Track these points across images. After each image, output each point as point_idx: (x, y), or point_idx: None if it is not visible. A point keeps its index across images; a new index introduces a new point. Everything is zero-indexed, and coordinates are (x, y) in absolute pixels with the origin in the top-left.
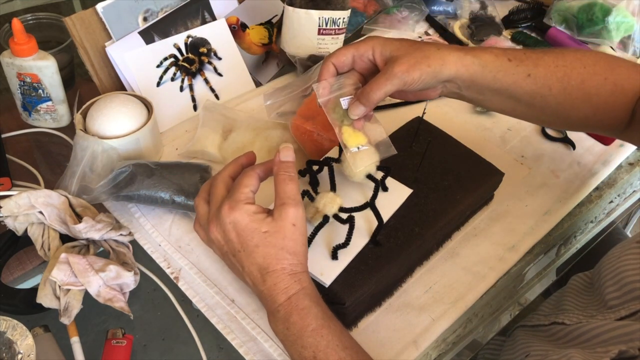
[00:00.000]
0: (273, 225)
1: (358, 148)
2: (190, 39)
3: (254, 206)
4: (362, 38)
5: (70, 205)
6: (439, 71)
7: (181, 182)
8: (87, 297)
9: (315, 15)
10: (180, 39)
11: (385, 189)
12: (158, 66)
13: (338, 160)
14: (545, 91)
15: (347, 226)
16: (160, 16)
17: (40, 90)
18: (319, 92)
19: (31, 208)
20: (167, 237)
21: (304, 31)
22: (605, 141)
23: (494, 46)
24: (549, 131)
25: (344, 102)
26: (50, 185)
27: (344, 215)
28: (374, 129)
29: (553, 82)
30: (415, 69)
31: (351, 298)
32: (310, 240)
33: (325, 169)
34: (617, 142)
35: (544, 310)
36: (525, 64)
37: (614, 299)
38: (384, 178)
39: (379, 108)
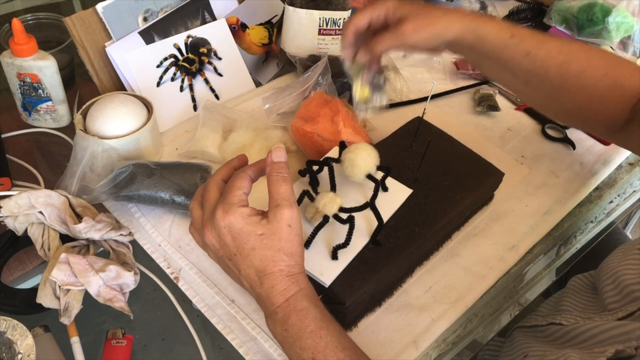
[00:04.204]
0: (268, 227)
1: (365, 103)
2: (190, 39)
3: (248, 208)
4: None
5: (70, 205)
6: (441, 34)
7: (181, 182)
8: (87, 297)
9: (316, 16)
10: (180, 39)
11: (385, 189)
12: (158, 66)
13: (338, 161)
14: (541, 72)
15: (347, 226)
16: (160, 16)
17: (40, 90)
18: (342, 52)
19: (31, 208)
20: (167, 237)
21: (304, 31)
22: (605, 141)
23: (502, 20)
24: (549, 131)
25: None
26: (50, 185)
27: (344, 215)
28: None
29: (551, 65)
30: (420, 31)
31: (351, 298)
32: (310, 240)
33: (325, 169)
34: None
35: (542, 311)
36: (527, 42)
37: (613, 303)
38: (384, 178)
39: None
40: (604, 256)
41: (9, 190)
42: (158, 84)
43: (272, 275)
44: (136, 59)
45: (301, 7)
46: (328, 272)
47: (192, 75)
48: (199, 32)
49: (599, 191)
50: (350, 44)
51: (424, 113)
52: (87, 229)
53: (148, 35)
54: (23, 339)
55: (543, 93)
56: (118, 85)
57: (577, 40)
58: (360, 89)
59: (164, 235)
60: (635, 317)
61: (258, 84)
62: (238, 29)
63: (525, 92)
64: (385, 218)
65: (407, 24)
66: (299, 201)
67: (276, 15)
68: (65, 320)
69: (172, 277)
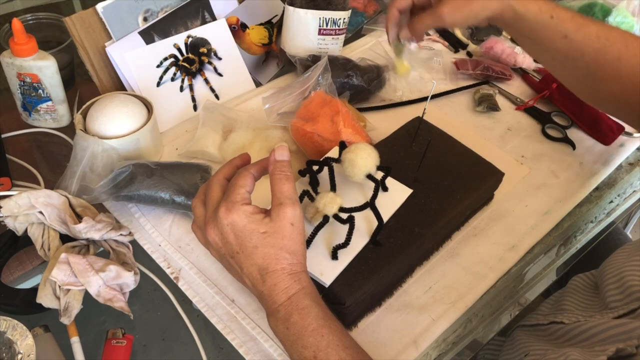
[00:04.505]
0: (271, 225)
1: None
2: (190, 39)
3: (251, 207)
4: None
5: (70, 205)
6: (479, 14)
7: (181, 182)
8: (87, 297)
9: (316, 16)
10: (180, 39)
11: (385, 189)
12: (158, 66)
13: (338, 160)
14: (578, 56)
15: (347, 226)
16: (160, 16)
17: (40, 90)
18: (389, 35)
19: (31, 208)
20: (167, 237)
21: (304, 31)
22: (606, 141)
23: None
24: (549, 131)
25: (404, 41)
26: (50, 185)
27: (344, 215)
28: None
29: (588, 50)
30: (457, 11)
31: (351, 298)
32: (310, 240)
33: (325, 169)
34: (617, 142)
35: (543, 310)
36: (566, 25)
37: (615, 301)
38: (384, 178)
39: (379, 108)
40: (604, 256)
41: (9, 190)
42: (158, 84)
43: (275, 274)
44: (136, 59)
45: (301, 7)
46: (328, 272)
47: (192, 75)
48: (199, 32)
49: (599, 191)
50: (394, 23)
51: (424, 113)
52: (87, 229)
53: (148, 35)
54: (23, 339)
55: (578, 76)
56: (118, 85)
57: (617, 27)
58: (402, 64)
59: (164, 235)
60: (636, 315)
61: (258, 84)
62: (238, 29)
63: (561, 74)
64: (385, 218)
65: (444, 5)
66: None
67: (276, 15)
68: (65, 320)
69: (172, 277)
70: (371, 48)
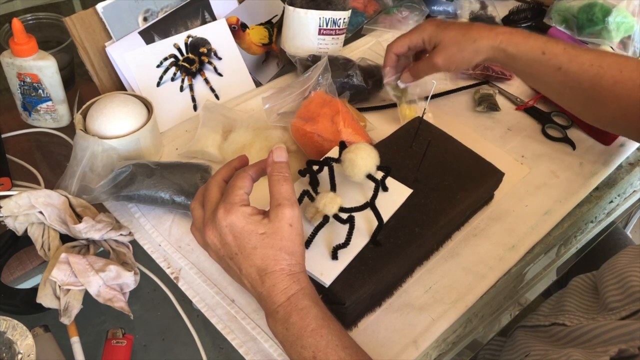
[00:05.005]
0: (270, 226)
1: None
2: (190, 39)
3: (250, 208)
4: (416, 26)
5: (70, 205)
6: (471, 60)
7: (181, 182)
8: (87, 297)
9: (316, 16)
10: (180, 39)
11: (385, 189)
12: (158, 66)
13: (338, 160)
14: (574, 85)
15: (347, 226)
16: (160, 16)
17: (40, 90)
18: (385, 77)
19: (31, 208)
20: (167, 237)
21: (304, 31)
22: (606, 141)
23: (534, 35)
24: (549, 131)
25: (401, 84)
26: (50, 185)
27: (344, 215)
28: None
29: (584, 78)
30: (450, 61)
31: (351, 298)
32: (310, 240)
33: (325, 169)
34: (617, 142)
35: (543, 310)
36: (559, 58)
37: (616, 302)
38: (384, 178)
39: (379, 108)
40: (604, 256)
41: (9, 190)
42: (158, 84)
43: (274, 274)
44: (136, 59)
45: (301, 7)
46: (328, 272)
47: (192, 75)
48: (199, 32)
49: (599, 191)
50: (392, 66)
51: (424, 113)
52: (87, 229)
53: (148, 35)
54: (23, 339)
55: (578, 102)
56: (118, 85)
57: (611, 52)
58: (406, 110)
59: (164, 235)
60: (639, 316)
61: (258, 84)
62: (238, 29)
63: (561, 101)
64: (385, 218)
65: (438, 56)
66: (299, 201)
67: (276, 15)
68: (65, 320)
69: (172, 277)
70: (371, 48)
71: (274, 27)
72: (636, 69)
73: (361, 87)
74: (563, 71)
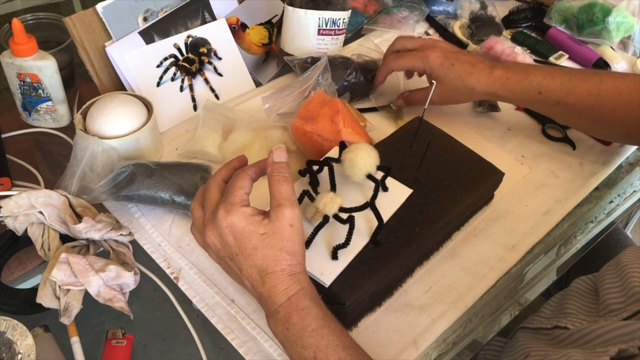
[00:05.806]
0: (270, 226)
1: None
2: (190, 39)
3: (250, 208)
4: (422, 52)
5: (70, 205)
6: (467, 100)
7: (181, 182)
8: (87, 297)
9: (315, 16)
10: (180, 39)
11: (385, 189)
12: (158, 66)
13: (338, 160)
14: (575, 114)
15: (347, 226)
16: (160, 16)
17: (40, 90)
18: (375, 87)
19: (31, 208)
20: (167, 237)
21: (304, 31)
22: (606, 141)
23: (531, 73)
24: (549, 131)
25: (394, 107)
26: (50, 185)
27: (344, 215)
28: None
29: (583, 108)
30: (448, 100)
31: (351, 298)
32: (310, 240)
33: (325, 169)
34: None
35: (545, 312)
36: (556, 94)
37: (617, 303)
38: (384, 178)
39: (380, 108)
40: (604, 256)
41: (9, 190)
42: (158, 84)
43: (274, 275)
44: (136, 59)
45: (301, 7)
46: (328, 272)
47: (192, 75)
48: (199, 32)
49: (599, 191)
50: (384, 79)
51: (424, 113)
52: (87, 229)
53: (148, 35)
54: (23, 339)
55: (582, 126)
56: (118, 85)
57: (608, 74)
58: (400, 123)
59: (164, 235)
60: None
61: (258, 84)
62: (238, 29)
63: (565, 123)
64: (385, 218)
65: (435, 94)
66: (299, 201)
67: (276, 15)
68: (65, 320)
69: (172, 277)
70: (361, 43)
71: (274, 27)
72: (635, 89)
73: (362, 82)
74: (562, 105)
